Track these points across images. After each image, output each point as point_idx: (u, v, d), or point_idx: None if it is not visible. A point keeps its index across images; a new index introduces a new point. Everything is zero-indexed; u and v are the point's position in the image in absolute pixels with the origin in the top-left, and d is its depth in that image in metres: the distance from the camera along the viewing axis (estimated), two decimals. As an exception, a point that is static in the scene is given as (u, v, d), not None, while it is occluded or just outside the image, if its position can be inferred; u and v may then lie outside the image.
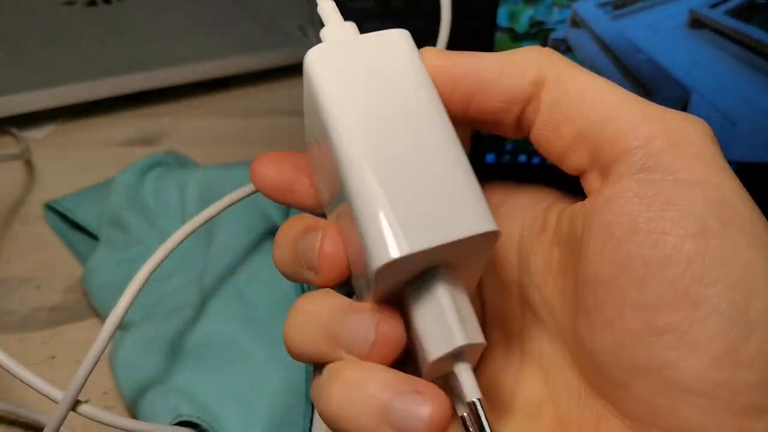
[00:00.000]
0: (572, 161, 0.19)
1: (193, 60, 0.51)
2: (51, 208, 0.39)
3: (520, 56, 0.19)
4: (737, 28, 0.38)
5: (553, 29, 0.40)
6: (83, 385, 0.23)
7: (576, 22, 0.40)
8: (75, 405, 0.24)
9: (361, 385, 0.17)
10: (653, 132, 0.17)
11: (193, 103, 0.51)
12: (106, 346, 0.23)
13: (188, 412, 0.27)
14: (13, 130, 0.45)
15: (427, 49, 0.19)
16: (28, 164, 0.44)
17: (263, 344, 0.29)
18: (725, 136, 0.40)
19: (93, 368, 0.23)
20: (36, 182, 0.43)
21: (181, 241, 0.23)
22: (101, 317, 0.34)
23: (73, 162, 0.45)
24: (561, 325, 0.19)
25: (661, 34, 0.39)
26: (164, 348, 0.28)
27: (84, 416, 0.24)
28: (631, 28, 0.39)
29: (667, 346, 0.16)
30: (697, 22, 0.39)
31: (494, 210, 0.20)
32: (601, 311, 0.17)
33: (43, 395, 0.24)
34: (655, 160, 0.17)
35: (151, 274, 0.23)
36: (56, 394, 0.24)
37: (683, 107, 0.40)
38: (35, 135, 0.47)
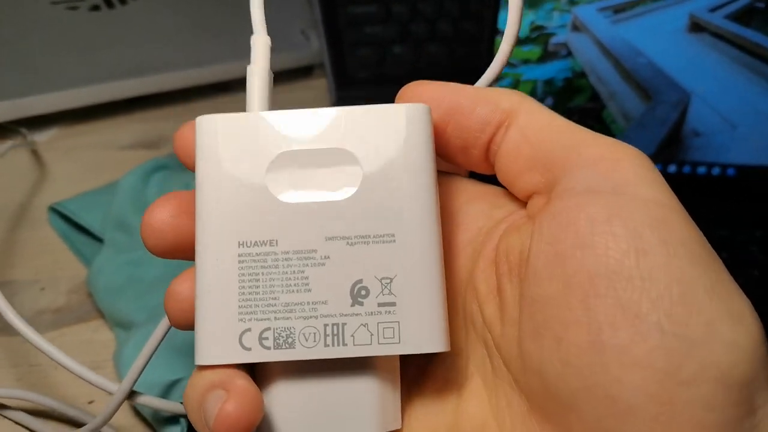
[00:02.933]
0: (525, 182, 0.20)
1: (196, 64, 0.51)
2: (54, 211, 0.39)
3: (495, 90, 0.20)
4: (736, 31, 0.39)
5: (553, 33, 0.40)
6: (139, 376, 0.25)
7: (576, 27, 0.40)
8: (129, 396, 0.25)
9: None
10: (600, 155, 0.18)
11: (195, 107, 0.51)
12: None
13: None
14: (23, 130, 0.46)
15: (420, 83, 0.21)
16: (32, 167, 0.44)
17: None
18: (726, 139, 0.41)
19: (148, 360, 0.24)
20: (39, 185, 0.43)
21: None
22: (106, 318, 0.34)
23: (77, 165, 0.45)
24: (503, 347, 0.19)
25: (661, 37, 0.40)
26: (169, 347, 0.29)
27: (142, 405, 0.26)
28: (631, 32, 0.40)
29: (610, 363, 0.16)
30: (696, 26, 0.39)
31: (458, 210, 0.21)
32: (549, 329, 0.17)
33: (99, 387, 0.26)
34: (601, 178, 0.18)
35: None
36: (111, 386, 0.26)
37: (684, 110, 0.40)
38: (39, 138, 0.47)
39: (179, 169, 0.41)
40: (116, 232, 0.36)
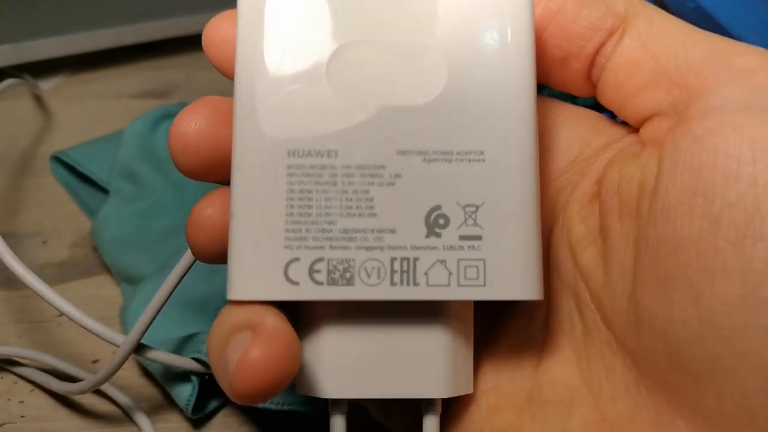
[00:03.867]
0: (643, 101, 0.16)
1: (207, 9, 0.49)
2: (58, 160, 0.37)
3: None
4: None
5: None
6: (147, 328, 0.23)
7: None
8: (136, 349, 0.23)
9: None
10: (754, 65, 0.15)
11: (205, 55, 0.49)
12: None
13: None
14: (27, 76, 0.43)
15: None
16: (35, 115, 0.43)
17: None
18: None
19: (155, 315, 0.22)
20: (43, 133, 0.41)
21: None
22: (112, 273, 0.32)
23: (82, 114, 0.43)
24: (605, 301, 0.16)
25: (713, -21, 0.37)
26: (179, 300, 0.26)
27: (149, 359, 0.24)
28: (679, -27, 0.37)
29: None
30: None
31: (547, 133, 0.18)
32: (684, 279, 0.14)
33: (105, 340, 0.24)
34: (759, 93, 0.14)
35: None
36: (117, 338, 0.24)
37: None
38: (42, 86, 0.45)
39: (189, 118, 0.39)
40: (123, 182, 0.34)
